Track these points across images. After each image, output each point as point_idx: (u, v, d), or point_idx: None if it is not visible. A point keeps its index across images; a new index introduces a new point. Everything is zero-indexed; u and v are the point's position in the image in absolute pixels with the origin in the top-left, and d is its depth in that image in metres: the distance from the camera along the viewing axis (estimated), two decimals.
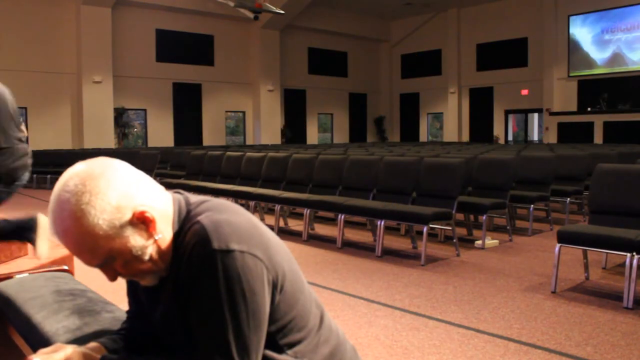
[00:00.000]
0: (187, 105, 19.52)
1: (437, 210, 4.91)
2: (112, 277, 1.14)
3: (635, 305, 3.56)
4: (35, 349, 1.28)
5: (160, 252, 1.12)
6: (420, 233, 5.42)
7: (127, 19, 17.67)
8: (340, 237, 5.64)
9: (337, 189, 6.39)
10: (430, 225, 4.93)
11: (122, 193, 1.07)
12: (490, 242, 5.61)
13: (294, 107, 22.69)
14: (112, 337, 1.29)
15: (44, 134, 16.42)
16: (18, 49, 15.80)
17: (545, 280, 4.25)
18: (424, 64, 24.52)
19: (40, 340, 1.38)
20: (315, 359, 1.22)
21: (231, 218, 1.12)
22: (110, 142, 17.09)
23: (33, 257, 2.95)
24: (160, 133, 18.99)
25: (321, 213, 7.43)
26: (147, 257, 1.11)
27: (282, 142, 21.16)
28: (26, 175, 2.97)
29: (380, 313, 3.53)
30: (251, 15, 15.74)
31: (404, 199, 5.61)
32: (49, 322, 1.45)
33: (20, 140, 2.93)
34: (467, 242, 5.82)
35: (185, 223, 1.15)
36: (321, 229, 6.74)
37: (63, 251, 3.43)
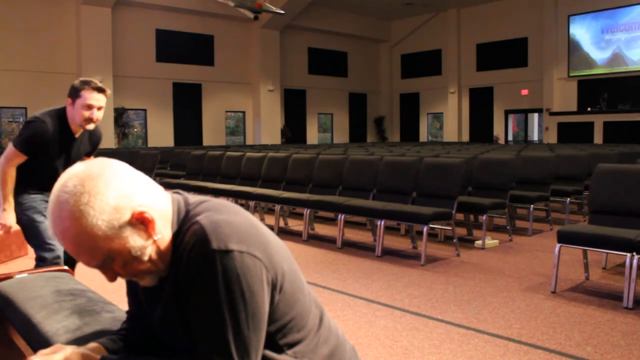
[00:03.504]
0: (187, 105, 19.51)
1: (437, 210, 4.91)
2: (112, 278, 1.14)
3: (635, 305, 3.56)
4: (35, 349, 1.28)
5: (159, 252, 1.12)
6: (420, 233, 5.42)
7: (127, 19, 17.66)
8: (340, 237, 5.64)
9: (337, 189, 6.38)
10: (430, 225, 4.93)
11: (120, 193, 1.07)
12: (490, 242, 5.60)
13: (294, 107, 22.68)
14: (112, 338, 1.29)
15: None
16: (18, 49, 15.79)
17: (545, 280, 4.25)
18: (424, 64, 24.49)
19: (40, 341, 1.38)
20: (315, 359, 1.22)
21: (230, 218, 1.12)
22: (110, 142, 17.08)
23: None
24: (160, 133, 18.98)
25: (321, 213, 7.43)
26: (146, 258, 1.11)
27: (282, 142, 21.15)
28: None
29: (380, 313, 3.53)
30: (251, 15, 15.72)
31: (403, 199, 5.61)
32: (49, 322, 1.45)
33: None
34: (467, 242, 5.82)
35: (185, 223, 1.14)
36: (321, 229, 6.74)
37: None
